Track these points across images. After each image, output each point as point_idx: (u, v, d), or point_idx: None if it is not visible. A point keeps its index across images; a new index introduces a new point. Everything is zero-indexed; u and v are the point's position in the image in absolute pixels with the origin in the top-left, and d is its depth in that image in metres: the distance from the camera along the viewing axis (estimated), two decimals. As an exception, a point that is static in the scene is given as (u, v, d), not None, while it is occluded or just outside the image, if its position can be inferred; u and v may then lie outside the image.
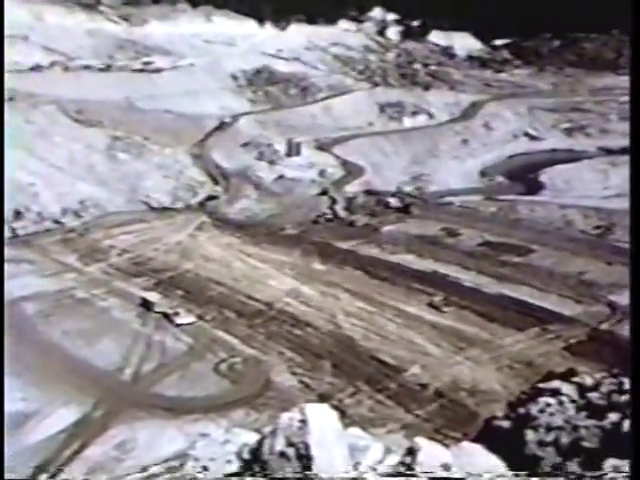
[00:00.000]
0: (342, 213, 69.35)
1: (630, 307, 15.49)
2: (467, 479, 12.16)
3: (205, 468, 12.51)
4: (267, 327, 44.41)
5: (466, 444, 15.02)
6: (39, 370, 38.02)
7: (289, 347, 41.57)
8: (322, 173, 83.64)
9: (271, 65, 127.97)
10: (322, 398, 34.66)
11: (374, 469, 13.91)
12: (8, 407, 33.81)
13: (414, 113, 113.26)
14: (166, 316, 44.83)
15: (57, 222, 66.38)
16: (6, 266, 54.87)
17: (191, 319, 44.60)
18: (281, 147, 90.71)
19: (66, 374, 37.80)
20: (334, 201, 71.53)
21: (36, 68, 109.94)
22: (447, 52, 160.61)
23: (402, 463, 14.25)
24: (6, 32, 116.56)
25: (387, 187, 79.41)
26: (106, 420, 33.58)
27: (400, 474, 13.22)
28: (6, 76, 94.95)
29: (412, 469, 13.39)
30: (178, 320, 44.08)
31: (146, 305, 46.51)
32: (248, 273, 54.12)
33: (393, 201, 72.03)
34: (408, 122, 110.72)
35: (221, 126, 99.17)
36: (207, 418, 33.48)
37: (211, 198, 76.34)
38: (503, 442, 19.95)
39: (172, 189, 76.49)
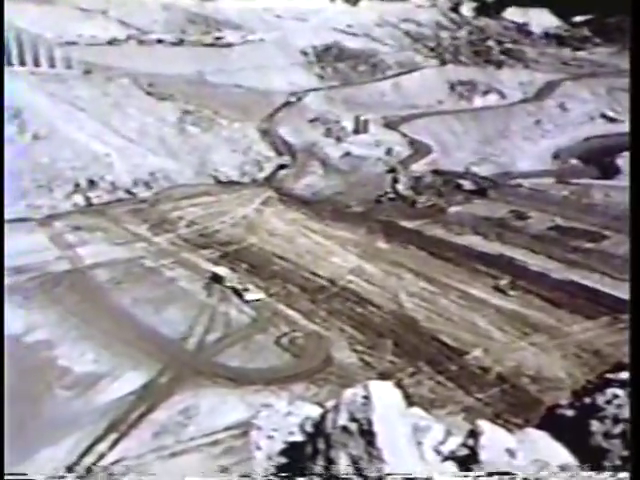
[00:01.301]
0: (406, 192, 68.61)
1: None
2: (532, 466, 11.96)
3: (269, 437, 12.75)
4: (329, 303, 44.66)
5: (531, 430, 14.72)
6: (110, 334, 39.45)
7: (351, 324, 41.72)
8: (389, 151, 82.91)
9: (341, 41, 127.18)
10: (382, 377, 34.65)
11: (436, 450, 13.81)
12: (80, 368, 35.49)
13: (485, 92, 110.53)
14: (235, 291, 45.43)
15: (129, 192, 68.44)
16: (81, 233, 57.19)
17: (260, 295, 45.00)
18: (348, 124, 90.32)
19: (135, 340, 39.09)
20: (396, 180, 70.74)
21: (113, 42, 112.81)
22: (523, 29, 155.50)
23: (464, 445, 14.07)
24: (86, 6, 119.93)
25: (455, 167, 78.05)
26: (171, 386, 34.59)
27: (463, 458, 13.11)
28: (84, 49, 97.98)
29: (475, 452, 13.23)
30: (247, 296, 44.57)
31: (216, 279, 47.17)
32: (312, 249, 54.45)
33: (462, 182, 70.79)
34: (479, 101, 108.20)
35: (289, 102, 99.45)
36: (268, 390, 34.05)
37: (281, 167, 77.01)
38: (566, 431, 19.45)
39: (240, 163, 77.50)
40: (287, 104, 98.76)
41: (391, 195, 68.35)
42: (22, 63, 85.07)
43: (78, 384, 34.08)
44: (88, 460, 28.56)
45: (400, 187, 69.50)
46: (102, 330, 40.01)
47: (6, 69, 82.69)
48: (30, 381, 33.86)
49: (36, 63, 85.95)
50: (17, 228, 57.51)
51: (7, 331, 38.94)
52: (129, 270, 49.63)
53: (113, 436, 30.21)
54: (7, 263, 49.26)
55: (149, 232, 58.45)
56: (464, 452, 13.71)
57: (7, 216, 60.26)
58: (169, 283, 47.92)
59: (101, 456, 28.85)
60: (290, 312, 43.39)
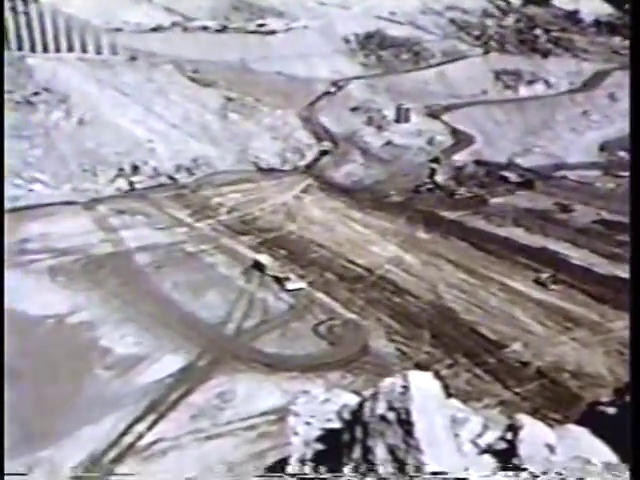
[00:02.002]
0: (444, 182, 67.72)
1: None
2: (573, 463, 11.73)
3: (307, 423, 12.77)
4: (367, 292, 44.55)
5: (571, 426, 14.40)
6: (151, 317, 40.10)
7: (388, 314, 41.56)
8: (431, 141, 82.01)
9: (384, 29, 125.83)
10: (419, 367, 34.45)
11: (474, 442, 13.65)
12: (121, 349, 36.17)
13: (531, 82, 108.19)
14: (277, 280, 45.50)
15: (171, 178, 69.25)
16: (124, 217, 58.14)
17: (301, 285, 44.91)
18: (390, 113, 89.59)
19: (174, 323, 39.66)
20: (433, 171, 69.70)
21: (157, 29, 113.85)
22: (572, 17, 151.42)
23: (502, 439, 13.87)
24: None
25: (498, 158, 76.79)
26: (209, 370, 35.01)
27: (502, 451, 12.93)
28: (130, 36, 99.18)
29: (514, 446, 13.03)
30: (289, 285, 44.52)
31: (258, 267, 47.28)
32: (351, 238, 54.33)
33: (506, 174, 69.60)
34: (524, 91, 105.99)
35: (331, 90, 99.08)
36: (304, 377, 34.20)
37: (323, 153, 76.96)
38: (607, 429, 19.00)
39: (280, 151, 77.66)
40: (329, 92, 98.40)
41: (429, 186, 67.66)
42: (70, 49, 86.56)
43: (119, 365, 34.77)
44: (127, 439, 29.16)
45: (438, 178, 68.70)
46: (143, 313, 40.69)
47: (55, 55, 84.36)
48: (73, 360, 34.69)
49: (84, 49, 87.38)
50: (63, 211, 58.90)
51: (52, 311, 40.02)
52: (170, 254, 50.30)
53: (152, 417, 30.75)
54: (53, 244, 50.63)
55: (190, 217, 59.09)
56: (502, 446, 13.52)
57: (54, 199, 61.86)
58: (209, 268, 48.40)
59: (140, 436, 29.41)
60: (328, 300, 43.42)
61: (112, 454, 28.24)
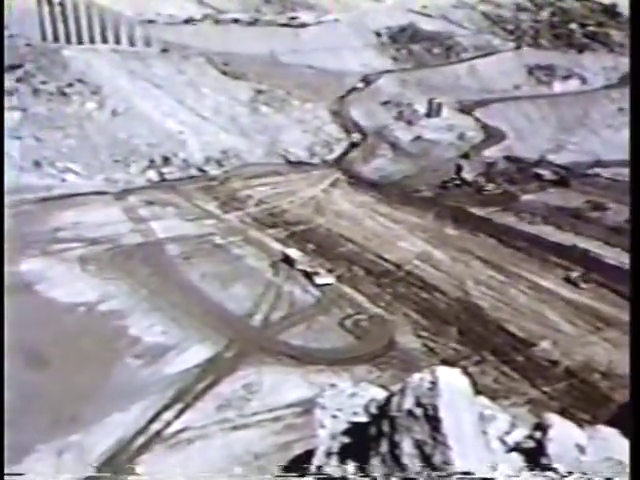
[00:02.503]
0: (474, 178, 66.92)
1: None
2: (603, 464, 11.57)
3: (334, 417, 12.79)
4: (394, 287, 44.41)
5: (602, 427, 14.18)
6: (179, 308, 40.47)
7: (415, 309, 41.40)
8: (461, 136, 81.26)
9: (416, 22, 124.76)
10: (445, 364, 34.24)
11: (501, 440, 13.55)
12: (150, 338, 36.58)
13: (566, 77, 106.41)
14: (306, 274, 45.40)
15: (200, 170, 69.70)
16: (154, 208, 58.71)
17: (330, 280, 44.70)
18: (421, 107, 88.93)
19: (202, 314, 39.98)
20: (459, 168, 68.87)
21: (189, 21, 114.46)
22: (610, 11, 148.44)
23: (531, 437, 13.73)
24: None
25: (530, 154, 75.80)
26: (236, 361, 35.24)
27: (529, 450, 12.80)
28: (162, 28, 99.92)
29: (542, 445, 12.89)
30: (318, 280, 44.34)
31: (287, 261, 47.27)
32: (379, 232, 54.17)
33: (540, 171, 68.63)
34: (558, 87, 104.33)
35: (359, 85, 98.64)
36: (330, 370, 34.26)
37: (353, 145, 76.66)
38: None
39: (310, 144, 77.65)
40: (359, 86, 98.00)
41: (458, 182, 67.05)
42: (104, 41, 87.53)
43: (147, 354, 35.19)
44: (155, 427, 29.52)
45: (467, 174, 67.98)
46: (171, 303, 41.08)
47: (89, 46, 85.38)
48: (103, 348, 35.21)
49: (117, 41, 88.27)
50: (95, 201, 59.70)
51: (82, 299, 40.64)
52: (199, 246, 50.68)
53: (179, 406, 31.09)
54: (85, 234, 51.37)
55: (219, 209, 59.45)
56: (530, 444, 13.38)
57: (86, 189, 62.74)
58: (237, 260, 48.67)
59: (167, 424, 29.76)
60: (355, 294, 43.39)
61: (140, 441, 28.62)
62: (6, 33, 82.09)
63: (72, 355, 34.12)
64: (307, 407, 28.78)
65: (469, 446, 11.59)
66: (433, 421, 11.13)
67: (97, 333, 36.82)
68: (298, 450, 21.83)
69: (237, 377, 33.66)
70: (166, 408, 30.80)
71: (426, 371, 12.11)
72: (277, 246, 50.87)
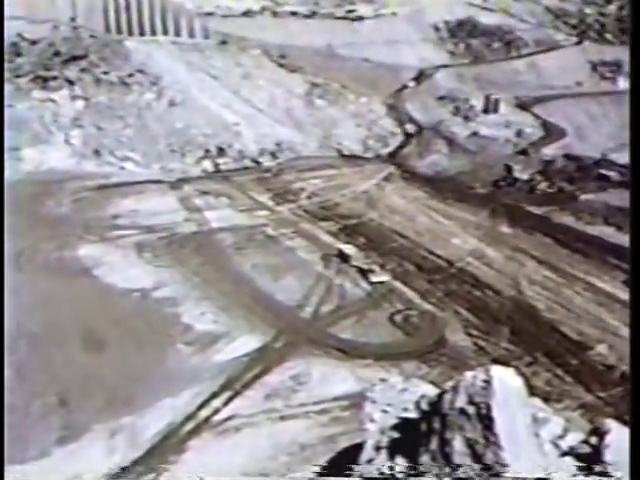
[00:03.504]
0: (531, 176, 65.37)
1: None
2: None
3: (384, 411, 12.75)
4: (446, 284, 43.88)
5: (661, 436, 13.67)
6: (229, 297, 40.96)
7: (467, 307, 40.81)
8: (519, 133, 79.54)
9: (475, 16, 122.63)
10: (496, 363, 33.64)
11: (555, 444, 13.24)
12: (201, 326, 37.18)
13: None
14: (361, 271, 44.96)
15: (255, 161, 70.33)
16: (208, 198, 59.55)
17: (385, 278, 44.10)
18: (478, 103, 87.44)
19: (252, 304, 40.33)
20: (510, 168, 67.17)
21: (247, 13, 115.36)
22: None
23: (586, 442, 13.38)
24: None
25: (590, 153, 73.63)
26: (285, 352, 35.43)
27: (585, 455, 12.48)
28: (221, 20, 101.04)
29: (599, 451, 12.54)
30: (372, 278, 43.77)
31: (342, 256, 46.90)
32: (432, 228, 53.60)
33: (601, 170, 66.67)
34: (623, 83, 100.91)
35: (418, 78, 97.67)
36: (379, 365, 34.11)
37: (408, 136, 75.91)
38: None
39: (364, 138, 77.39)
40: (416, 80, 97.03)
41: (512, 179, 65.66)
42: (165, 32, 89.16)
43: (198, 341, 35.75)
44: (204, 413, 30.02)
45: (522, 174, 66.41)
46: (222, 292, 41.58)
47: (150, 38, 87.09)
48: (156, 334, 35.97)
49: (177, 33, 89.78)
50: (151, 189, 60.96)
51: (138, 285, 41.57)
52: (251, 237, 51.14)
53: (227, 394, 31.48)
54: (141, 221, 52.52)
55: (271, 201, 59.84)
56: (585, 450, 13.05)
57: (142, 177, 64.12)
58: (288, 252, 48.90)
59: (216, 411, 30.20)
60: (405, 290, 43.06)
61: (189, 426, 29.15)
62: (72, 25, 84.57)
63: (127, 339, 35.00)
64: (354, 401, 28.80)
65: (521, 448, 11.39)
66: (485, 420, 10.98)
67: (151, 319, 37.60)
68: (344, 443, 21.89)
69: (285, 368, 33.85)
70: (215, 395, 31.23)
71: (480, 369, 11.95)
72: (328, 239, 50.94)
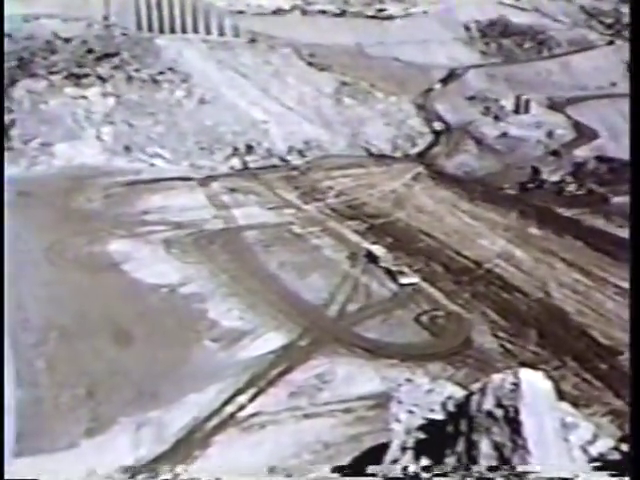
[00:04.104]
0: (558, 178, 64.38)
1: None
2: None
3: (410, 412, 12.67)
4: (473, 285, 43.49)
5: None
6: (256, 294, 41.09)
7: (494, 309, 40.38)
8: (550, 134, 78.43)
9: (507, 16, 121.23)
10: (523, 366, 33.29)
11: (584, 449, 13.03)
12: (227, 322, 37.32)
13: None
14: (389, 272, 44.53)
15: (283, 159, 70.51)
16: (236, 195, 59.89)
17: (414, 280, 43.46)
18: (509, 103, 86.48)
19: (278, 302, 40.41)
20: (536, 170, 66.12)
21: (277, 12, 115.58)
22: None
23: (616, 449, 13.14)
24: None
25: (623, 155, 72.22)
26: (310, 350, 35.41)
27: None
28: (251, 19, 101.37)
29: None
30: (402, 280, 43.16)
31: (371, 257, 46.58)
32: (460, 229, 53.18)
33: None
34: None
35: (448, 77, 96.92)
36: (404, 365, 33.91)
37: (436, 134, 75.29)
38: None
39: (392, 137, 77.11)
40: (446, 79, 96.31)
41: (541, 181, 64.77)
42: (195, 31, 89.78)
43: (225, 337, 35.92)
44: (229, 409, 30.15)
45: (546, 175, 65.39)
46: (249, 289, 41.75)
47: (181, 36, 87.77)
48: (183, 329, 36.25)
49: (208, 31, 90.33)
50: (180, 186, 61.48)
51: (166, 281, 41.90)
52: (278, 234, 51.27)
53: (252, 390, 31.58)
54: (170, 218, 52.97)
55: (299, 199, 59.92)
56: (616, 456, 12.85)
57: (172, 174, 64.68)
58: (314, 250, 48.91)
59: (241, 407, 30.32)
60: (432, 290, 42.76)
61: (214, 422, 29.31)
62: (105, 23, 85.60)
63: (154, 334, 35.32)
64: (379, 401, 28.69)
65: (550, 452, 11.22)
66: (513, 423, 10.84)
67: (178, 315, 37.90)
68: (368, 443, 21.82)
69: (310, 366, 33.82)
70: (240, 392, 31.35)
71: (508, 372, 11.81)
72: (355, 238, 50.84)
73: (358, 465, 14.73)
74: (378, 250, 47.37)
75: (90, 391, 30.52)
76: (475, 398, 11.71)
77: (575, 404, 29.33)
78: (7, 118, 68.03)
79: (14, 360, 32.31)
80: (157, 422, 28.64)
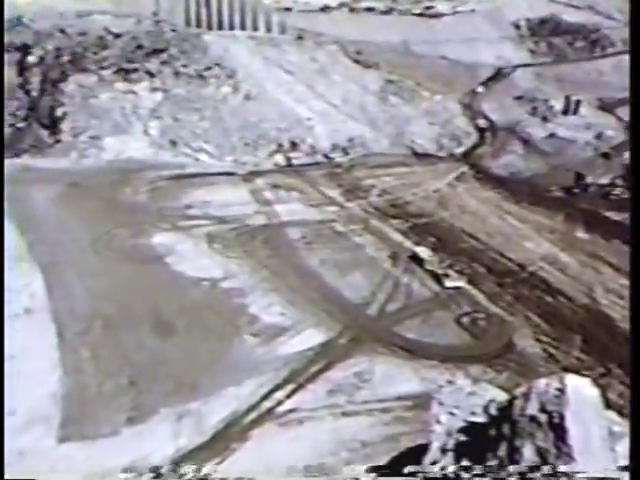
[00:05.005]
0: (607, 181, 62.79)
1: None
2: None
3: (451, 414, 12.53)
4: (516, 288, 42.77)
5: None
6: (297, 291, 41.21)
7: (537, 313, 39.64)
8: (599, 136, 76.53)
9: (559, 14, 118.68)
10: (567, 372, 32.64)
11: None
12: (268, 318, 37.54)
13: None
14: (434, 275, 43.77)
15: (326, 157, 70.53)
16: (279, 192, 60.12)
17: (460, 283, 42.79)
18: (557, 103, 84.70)
19: (319, 299, 40.44)
20: (580, 175, 64.40)
21: (325, 9, 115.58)
22: None
23: (664, 461, 12.70)
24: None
25: (676, 158, 70.17)
26: (349, 348, 35.35)
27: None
28: (298, 15, 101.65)
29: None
30: (447, 282, 42.52)
31: (415, 259, 45.98)
32: (504, 231, 52.38)
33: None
34: None
35: (495, 76, 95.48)
36: (444, 367, 33.56)
37: (480, 130, 74.42)
38: None
39: (437, 136, 76.38)
40: (493, 78, 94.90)
41: (589, 183, 63.22)
42: (243, 27, 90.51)
43: (264, 332, 36.13)
44: (267, 404, 30.34)
45: (595, 178, 63.75)
46: (289, 285, 41.87)
47: (228, 32, 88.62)
48: (223, 323, 36.61)
49: (255, 27, 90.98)
50: (223, 181, 62.07)
51: (207, 275, 42.36)
52: (320, 232, 51.29)
53: (290, 386, 31.68)
54: (213, 212, 53.55)
55: (342, 197, 59.84)
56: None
57: (215, 169, 65.35)
58: (356, 248, 48.80)
59: (279, 403, 30.46)
60: (474, 292, 42.23)
61: (252, 416, 29.54)
62: (154, 19, 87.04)
63: (195, 327, 35.75)
64: (417, 402, 28.51)
65: (596, 461, 10.94)
66: (558, 430, 10.61)
67: (219, 308, 38.27)
68: (406, 443, 21.66)
69: (349, 364, 33.76)
70: (278, 387, 31.49)
71: (553, 377, 11.56)
72: (398, 237, 50.55)
73: (395, 465, 14.64)
74: (423, 252, 46.80)
75: (132, 381, 31.09)
76: (518, 402, 11.50)
77: (620, 413, 28.73)
78: (59, 111, 69.74)
79: (60, 348, 33.14)
80: (197, 413, 29.01)
